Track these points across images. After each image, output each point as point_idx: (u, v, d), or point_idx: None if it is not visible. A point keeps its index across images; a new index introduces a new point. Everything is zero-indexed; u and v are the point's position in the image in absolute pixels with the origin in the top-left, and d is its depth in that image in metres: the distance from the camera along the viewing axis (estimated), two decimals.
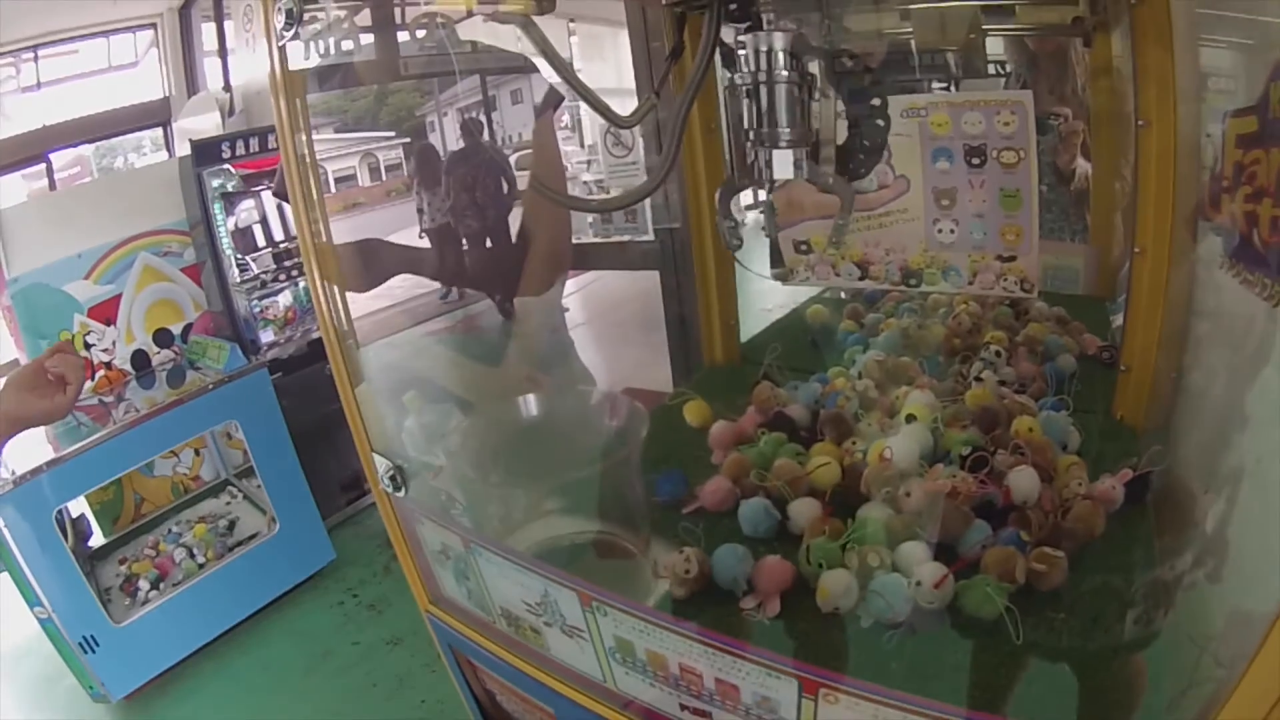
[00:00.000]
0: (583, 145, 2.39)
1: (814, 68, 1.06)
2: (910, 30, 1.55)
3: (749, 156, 1.11)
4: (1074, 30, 1.63)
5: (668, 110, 1.48)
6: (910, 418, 1.38)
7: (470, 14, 1.44)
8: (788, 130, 1.04)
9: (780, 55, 1.02)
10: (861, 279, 1.47)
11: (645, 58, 1.82)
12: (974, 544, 1.13)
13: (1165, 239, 1.24)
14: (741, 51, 1.07)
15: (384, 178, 2.30)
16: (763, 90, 1.04)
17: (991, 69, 1.93)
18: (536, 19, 1.15)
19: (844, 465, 1.33)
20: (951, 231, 1.36)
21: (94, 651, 2.87)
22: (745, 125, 1.08)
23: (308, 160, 1.34)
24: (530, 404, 1.44)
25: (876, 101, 1.17)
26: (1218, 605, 0.93)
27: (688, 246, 1.93)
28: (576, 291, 2.57)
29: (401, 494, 1.33)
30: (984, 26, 1.94)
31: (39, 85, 5.99)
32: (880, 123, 1.19)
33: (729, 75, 1.10)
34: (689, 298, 2.00)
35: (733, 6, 1.05)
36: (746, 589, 1.14)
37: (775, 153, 1.06)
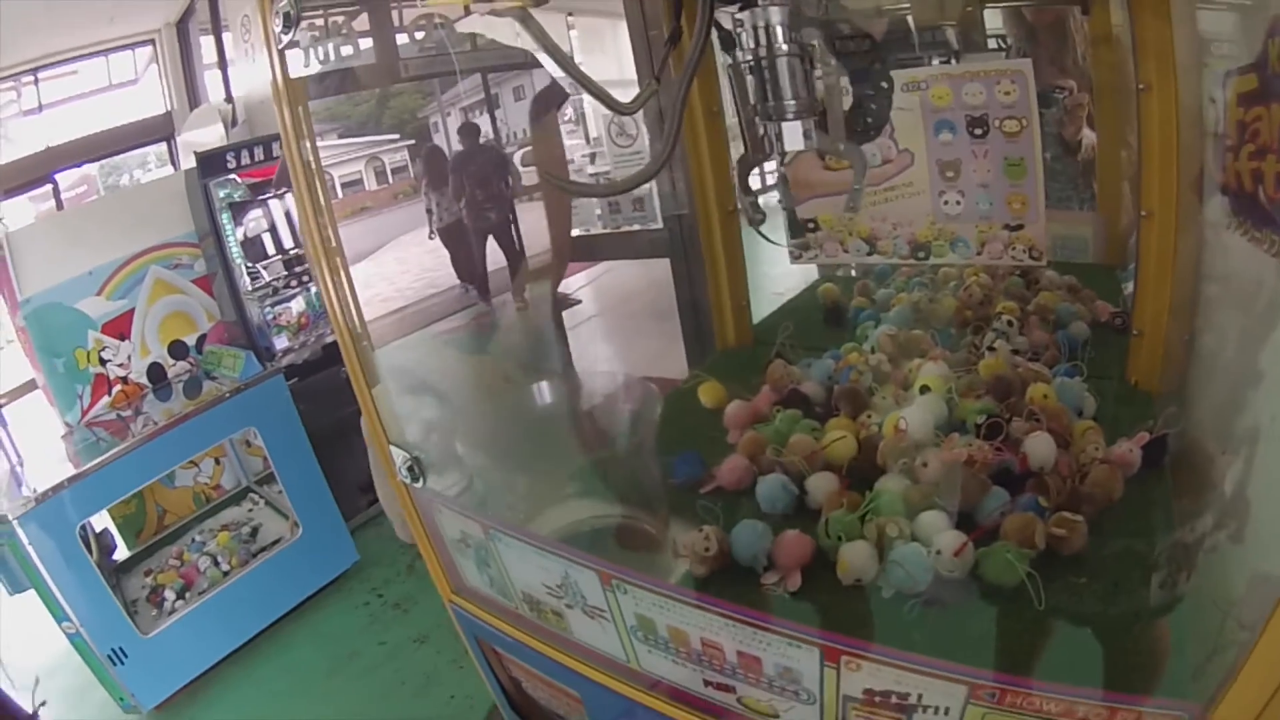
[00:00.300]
0: (588, 139, 2.41)
1: (814, 39, 1.08)
2: (908, 5, 1.57)
3: (760, 131, 1.14)
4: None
5: (669, 96, 1.50)
6: (924, 389, 1.39)
7: (467, 10, 1.45)
8: (793, 102, 1.06)
9: (779, 29, 1.03)
10: (870, 254, 1.50)
11: (645, 44, 1.84)
12: (992, 511, 1.14)
13: (1171, 201, 1.25)
14: (740, 30, 1.08)
15: (390, 181, 2.32)
16: (764, 66, 1.06)
17: (992, 43, 1.94)
18: (534, 11, 1.17)
19: (860, 439, 1.35)
20: (958, 203, 1.38)
21: (123, 663, 2.91)
22: (753, 102, 1.10)
23: (313, 166, 1.36)
24: (543, 392, 1.46)
25: (878, 66, 1.21)
26: (1239, 568, 0.93)
27: (696, 231, 1.95)
28: (588, 284, 2.58)
29: (420, 484, 1.35)
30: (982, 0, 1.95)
31: (40, 108, 6.09)
32: (884, 84, 1.23)
33: (730, 56, 1.12)
34: (700, 283, 2.01)
35: None
36: (767, 565, 1.16)
37: (784, 125, 1.08)
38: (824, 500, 1.24)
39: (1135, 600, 1.03)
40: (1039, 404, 1.32)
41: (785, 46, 1.04)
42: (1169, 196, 1.27)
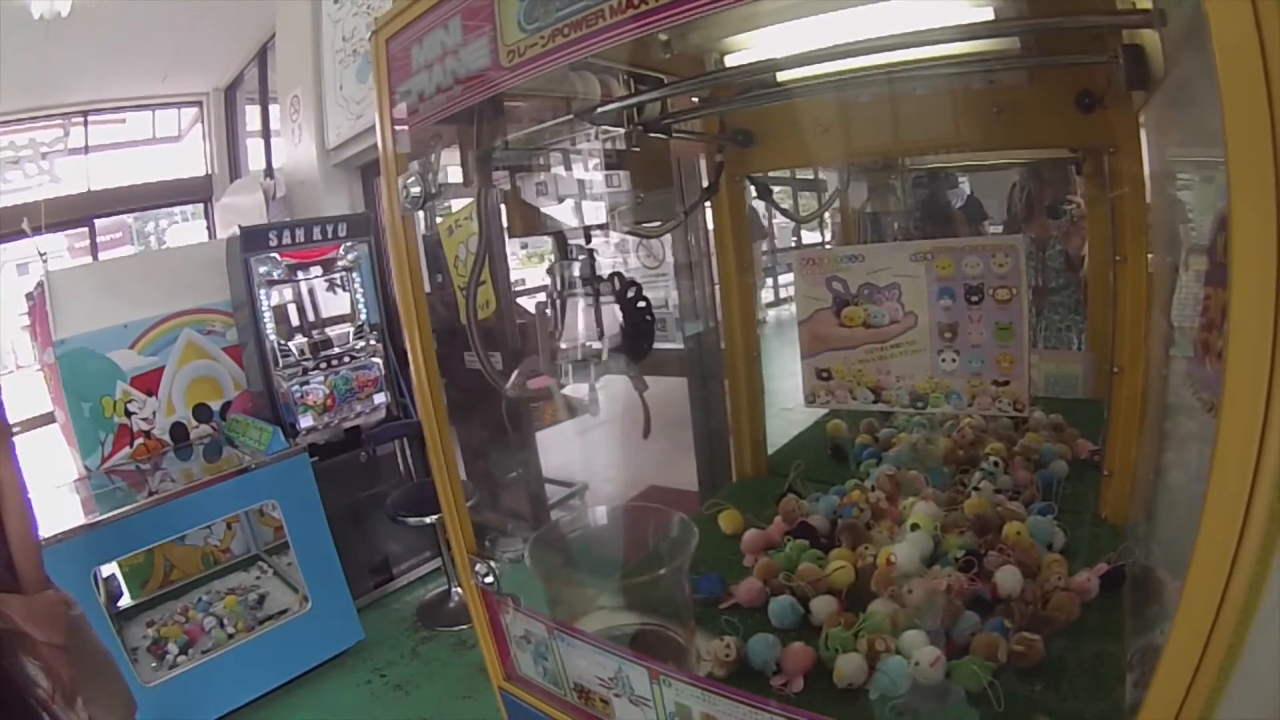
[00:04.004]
0: (624, 261, 2.75)
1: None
2: None
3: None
4: (1070, 158, 1.94)
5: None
6: (914, 526, 1.66)
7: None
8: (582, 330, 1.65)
9: (578, 280, 1.68)
10: (875, 403, 1.73)
11: (680, 189, 2.18)
12: (964, 631, 1.42)
13: (1139, 361, 1.54)
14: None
15: None
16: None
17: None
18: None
19: (857, 567, 1.62)
20: (953, 360, 1.60)
21: None
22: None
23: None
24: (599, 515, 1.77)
25: (641, 304, 1.72)
26: None
27: (715, 354, 2.29)
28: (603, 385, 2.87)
29: (496, 590, 1.64)
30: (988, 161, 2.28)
31: (87, 149, 6.52)
32: (649, 318, 1.76)
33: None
34: (716, 402, 2.33)
35: None
36: (775, 670, 1.44)
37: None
38: (825, 618, 1.51)
39: (1081, 704, 1.27)
40: (1011, 540, 1.59)
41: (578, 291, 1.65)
42: (1138, 356, 1.54)
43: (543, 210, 1.77)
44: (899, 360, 1.68)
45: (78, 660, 1.94)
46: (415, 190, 1.54)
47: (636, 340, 1.76)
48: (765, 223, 2.56)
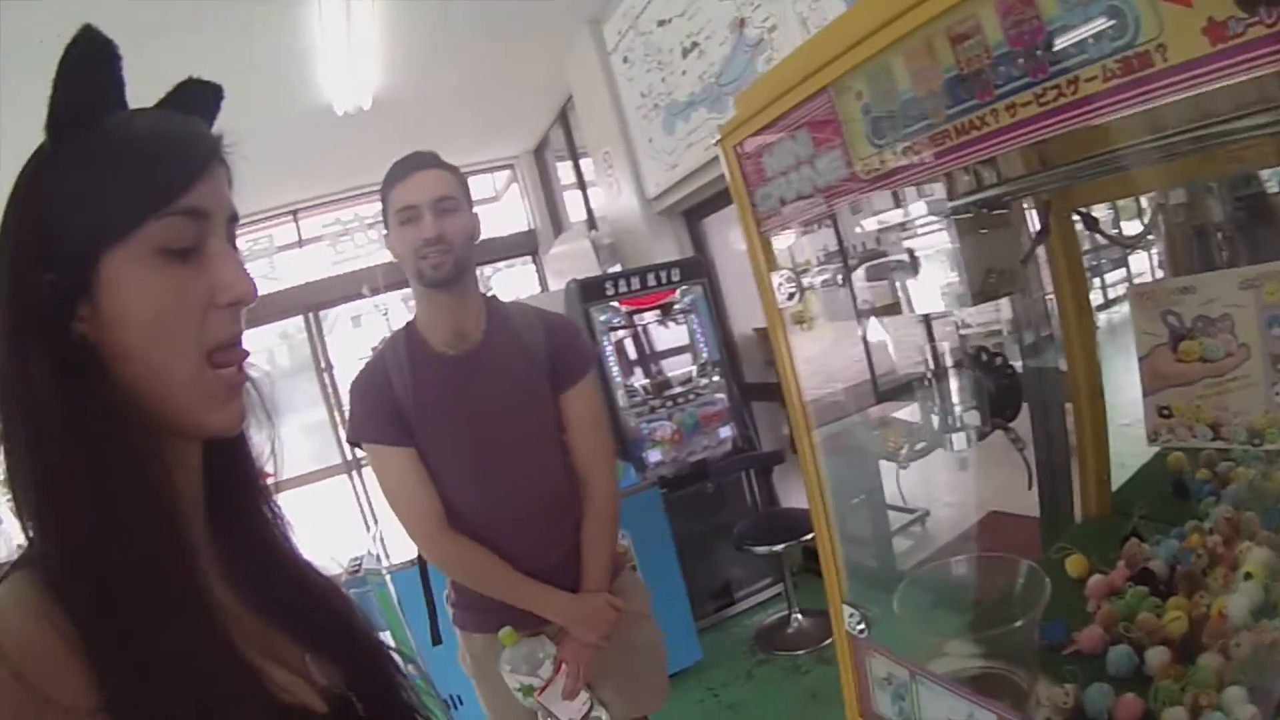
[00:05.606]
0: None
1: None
2: None
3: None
4: None
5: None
6: (1248, 575, 1.69)
7: None
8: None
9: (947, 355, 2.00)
10: (1214, 439, 1.81)
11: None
12: None
13: None
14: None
15: None
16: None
17: None
18: None
19: (1191, 617, 1.71)
20: None
21: (458, 709, 3.57)
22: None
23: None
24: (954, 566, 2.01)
25: (1009, 371, 1.94)
26: None
27: (1056, 388, 2.42)
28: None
29: (866, 635, 1.88)
30: None
31: (300, 243, 8.40)
32: (1010, 384, 2.00)
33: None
34: (1056, 429, 2.46)
35: None
36: (1108, 719, 1.60)
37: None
38: (1157, 669, 1.63)
39: None
40: None
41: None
42: None
43: (896, 286, 2.04)
44: (1234, 395, 1.74)
45: (616, 652, 2.34)
46: (790, 288, 1.91)
47: (1005, 406, 2.02)
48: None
